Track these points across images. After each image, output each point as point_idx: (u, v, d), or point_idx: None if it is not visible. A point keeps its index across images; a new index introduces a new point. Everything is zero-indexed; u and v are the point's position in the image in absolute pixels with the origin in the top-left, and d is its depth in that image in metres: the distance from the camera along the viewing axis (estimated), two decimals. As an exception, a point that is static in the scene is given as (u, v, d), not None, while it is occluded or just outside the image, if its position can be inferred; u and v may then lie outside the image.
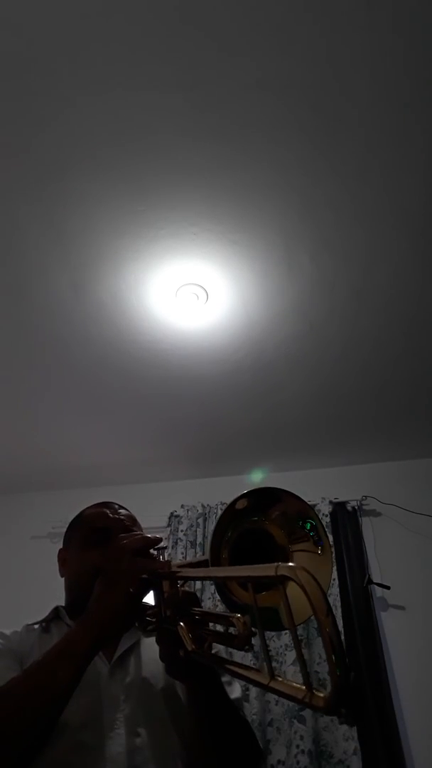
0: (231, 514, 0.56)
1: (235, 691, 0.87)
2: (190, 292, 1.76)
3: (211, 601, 2.18)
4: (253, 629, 0.49)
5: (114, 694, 0.78)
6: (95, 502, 1.05)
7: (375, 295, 1.77)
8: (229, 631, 0.55)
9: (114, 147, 1.36)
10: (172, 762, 0.75)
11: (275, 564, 0.39)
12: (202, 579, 0.57)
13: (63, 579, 0.98)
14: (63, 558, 1.00)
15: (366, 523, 2.44)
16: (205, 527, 2.51)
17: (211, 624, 0.66)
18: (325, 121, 1.30)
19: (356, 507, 2.45)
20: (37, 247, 1.62)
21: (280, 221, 1.54)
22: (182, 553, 2.42)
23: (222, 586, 0.55)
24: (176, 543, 2.48)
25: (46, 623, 0.91)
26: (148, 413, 2.36)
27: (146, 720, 0.76)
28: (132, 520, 0.99)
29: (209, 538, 0.57)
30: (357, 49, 1.17)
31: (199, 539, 2.47)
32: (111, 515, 0.97)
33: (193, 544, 2.46)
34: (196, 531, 2.50)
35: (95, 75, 1.22)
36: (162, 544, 0.74)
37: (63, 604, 0.95)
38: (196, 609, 0.67)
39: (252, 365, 2.08)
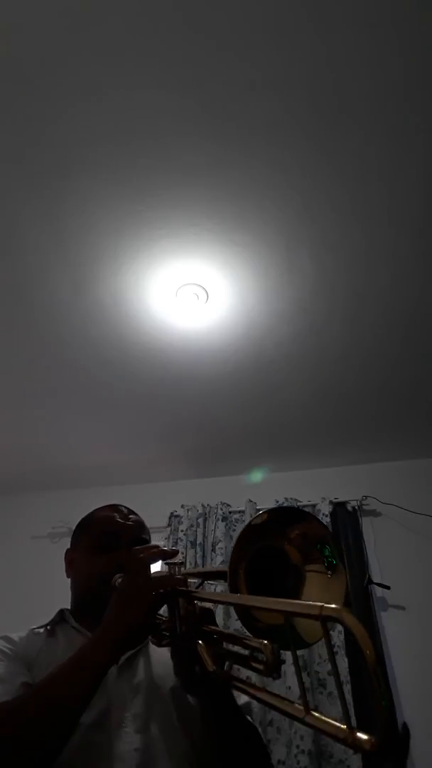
0: (253, 529, 0.57)
1: (243, 696, 0.86)
2: (191, 292, 1.76)
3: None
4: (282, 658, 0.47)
5: (122, 693, 0.78)
6: (95, 502, 1.05)
7: (375, 295, 1.77)
8: (254, 655, 0.53)
9: (114, 147, 1.36)
10: (180, 761, 0.75)
11: (319, 604, 0.37)
12: (229, 604, 0.57)
13: (69, 579, 0.97)
14: (70, 559, 0.99)
15: (366, 523, 2.44)
16: (205, 527, 2.51)
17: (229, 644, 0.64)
18: (325, 121, 1.30)
19: (356, 507, 2.44)
20: (37, 247, 1.62)
21: (280, 221, 1.54)
22: (182, 553, 2.42)
23: (245, 610, 0.55)
24: (176, 543, 2.48)
25: (52, 626, 0.90)
26: (148, 413, 2.36)
27: (154, 719, 0.76)
28: (141, 526, 0.99)
29: (231, 551, 0.56)
30: (357, 49, 1.17)
31: (199, 539, 2.47)
32: (121, 520, 0.96)
33: (194, 544, 2.46)
34: (196, 531, 2.50)
35: (95, 75, 1.22)
36: (178, 559, 0.73)
37: (67, 607, 0.94)
38: (214, 628, 0.66)
39: (252, 365, 2.08)
